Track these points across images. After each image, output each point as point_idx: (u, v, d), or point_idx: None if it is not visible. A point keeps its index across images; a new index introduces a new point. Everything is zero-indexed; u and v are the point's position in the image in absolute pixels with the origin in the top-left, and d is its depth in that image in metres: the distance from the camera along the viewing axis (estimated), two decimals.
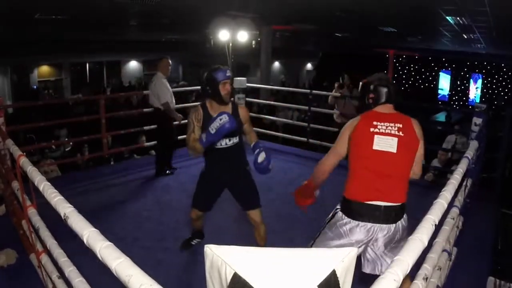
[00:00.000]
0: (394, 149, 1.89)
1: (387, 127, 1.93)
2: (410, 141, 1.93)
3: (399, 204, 1.92)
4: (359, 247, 1.96)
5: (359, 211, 1.93)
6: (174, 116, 4.64)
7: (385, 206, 1.89)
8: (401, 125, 1.93)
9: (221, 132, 2.34)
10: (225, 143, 2.58)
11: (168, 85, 4.64)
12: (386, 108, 2.01)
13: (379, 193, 1.89)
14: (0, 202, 3.57)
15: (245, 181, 2.73)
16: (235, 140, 2.62)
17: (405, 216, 1.98)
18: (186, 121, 3.01)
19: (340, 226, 1.99)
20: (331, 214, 2.10)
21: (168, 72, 4.70)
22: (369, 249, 1.99)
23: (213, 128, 2.35)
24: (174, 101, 4.71)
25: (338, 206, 2.06)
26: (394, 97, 2.03)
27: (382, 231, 1.92)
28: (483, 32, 7.97)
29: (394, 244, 1.95)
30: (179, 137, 5.22)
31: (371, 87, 2.03)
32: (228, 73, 2.49)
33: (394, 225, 1.92)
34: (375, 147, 1.91)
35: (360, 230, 1.93)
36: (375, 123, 1.94)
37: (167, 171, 4.87)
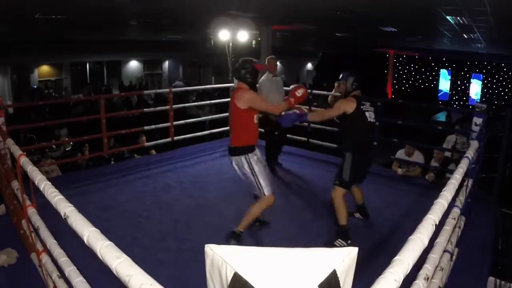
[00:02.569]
0: None
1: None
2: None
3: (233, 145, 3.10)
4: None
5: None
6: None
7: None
8: None
9: None
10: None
11: (273, 83, 4.92)
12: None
13: None
14: (0, 202, 3.57)
15: None
16: None
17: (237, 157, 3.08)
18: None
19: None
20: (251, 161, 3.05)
21: (275, 70, 5.05)
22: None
23: None
24: (278, 98, 4.81)
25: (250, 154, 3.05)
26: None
27: None
28: (483, 32, 7.97)
29: None
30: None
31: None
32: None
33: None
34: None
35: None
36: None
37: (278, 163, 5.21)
